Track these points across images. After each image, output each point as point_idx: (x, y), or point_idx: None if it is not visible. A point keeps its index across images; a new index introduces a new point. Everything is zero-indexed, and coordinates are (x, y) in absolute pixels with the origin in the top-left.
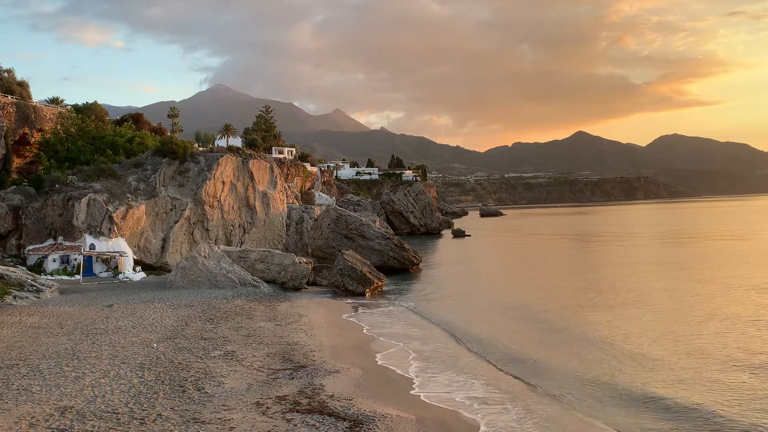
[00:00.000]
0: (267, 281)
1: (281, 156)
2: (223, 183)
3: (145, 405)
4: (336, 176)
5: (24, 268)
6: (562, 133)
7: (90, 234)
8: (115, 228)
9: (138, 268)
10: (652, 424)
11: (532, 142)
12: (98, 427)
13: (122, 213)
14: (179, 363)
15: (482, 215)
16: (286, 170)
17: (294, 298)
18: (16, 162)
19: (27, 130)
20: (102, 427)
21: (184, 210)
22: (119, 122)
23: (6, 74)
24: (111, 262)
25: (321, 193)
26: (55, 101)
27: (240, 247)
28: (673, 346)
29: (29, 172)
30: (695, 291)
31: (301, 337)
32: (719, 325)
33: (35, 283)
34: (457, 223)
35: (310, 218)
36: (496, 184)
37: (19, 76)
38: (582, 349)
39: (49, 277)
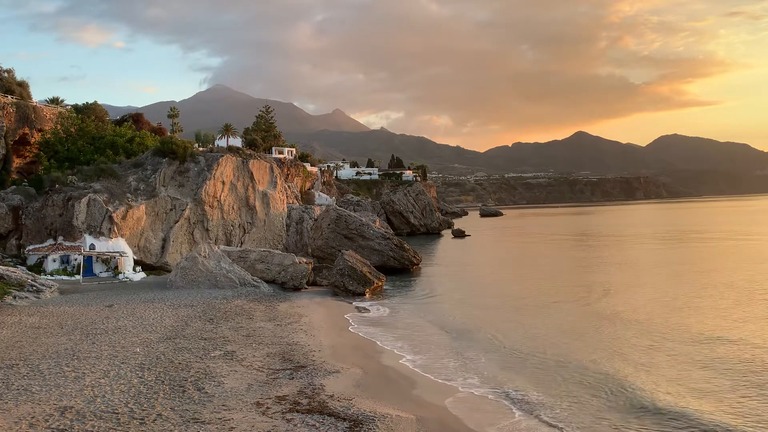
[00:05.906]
0: (267, 281)
1: (281, 156)
2: (223, 183)
3: (145, 405)
4: (336, 176)
5: (24, 268)
6: (562, 133)
7: (90, 234)
8: (115, 228)
9: (138, 268)
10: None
11: (532, 142)
12: (98, 427)
13: (122, 213)
14: (179, 363)
15: (482, 215)
16: (286, 170)
17: (294, 298)
18: (16, 162)
19: (27, 130)
20: (102, 427)
21: (184, 210)
22: (119, 122)
23: (6, 74)
24: (111, 262)
25: (321, 193)
26: (55, 101)
27: (240, 247)
28: None
29: (29, 172)
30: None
31: (301, 337)
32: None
33: (35, 283)
34: (457, 223)
35: (310, 218)
36: (496, 184)
37: (19, 76)
38: (578, 353)
39: (49, 277)
